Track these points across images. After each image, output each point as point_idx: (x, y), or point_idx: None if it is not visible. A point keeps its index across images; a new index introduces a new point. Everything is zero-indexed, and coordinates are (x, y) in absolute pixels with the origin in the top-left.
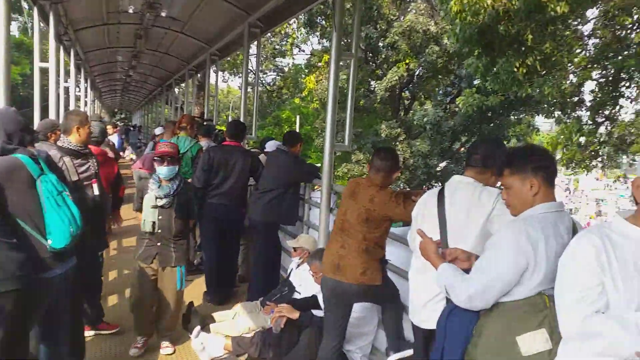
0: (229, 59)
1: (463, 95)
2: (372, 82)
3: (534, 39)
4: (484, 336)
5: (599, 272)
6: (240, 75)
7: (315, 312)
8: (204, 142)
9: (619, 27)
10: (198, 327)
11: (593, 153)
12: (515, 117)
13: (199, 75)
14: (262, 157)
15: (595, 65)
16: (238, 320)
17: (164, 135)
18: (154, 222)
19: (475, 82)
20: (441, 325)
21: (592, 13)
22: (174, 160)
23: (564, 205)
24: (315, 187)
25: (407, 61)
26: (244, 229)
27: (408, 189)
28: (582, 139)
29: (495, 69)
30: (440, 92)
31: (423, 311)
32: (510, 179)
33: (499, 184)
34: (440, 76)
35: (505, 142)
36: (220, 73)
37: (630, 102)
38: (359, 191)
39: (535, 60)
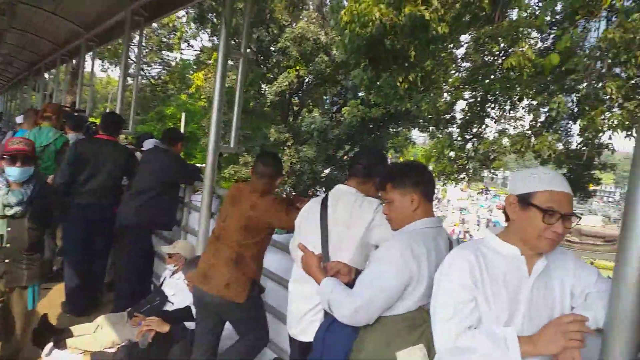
0: (110, 47)
1: (348, 106)
2: (263, 85)
3: (416, 56)
4: (364, 351)
5: (472, 288)
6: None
7: (189, 324)
8: (71, 135)
9: (487, 52)
10: (51, 344)
11: (461, 167)
12: (394, 130)
13: (73, 61)
14: (138, 155)
15: (466, 86)
16: (100, 334)
17: (23, 124)
18: (1, 236)
19: (360, 94)
20: (319, 340)
21: (465, 38)
22: (28, 160)
23: (442, 221)
24: (197, 190)
25: (298, 68)
26: (115, 232)
27: (293, 195)
28: (452, 154)
29: (379, 82)
30: (328, 101)
31: (301, 323)
32: (391, 193)
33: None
34: (328, 85)
35: (384, 153)
36: (99, 61)
37: (494, 122)
38: (240, 197)
39: (416, 76)
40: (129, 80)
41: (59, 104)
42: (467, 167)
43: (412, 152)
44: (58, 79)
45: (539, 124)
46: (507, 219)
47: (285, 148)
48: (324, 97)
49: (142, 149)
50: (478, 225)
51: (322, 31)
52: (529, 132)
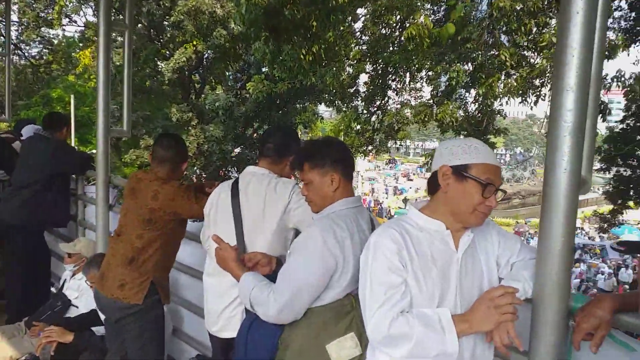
0: None
1: (253, 82)
2: (159, 63)
3: (317, 27)
4: (290, 349)
5: (402, 270)
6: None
7: (97, 329)
8: None
9: (385, 25)
10: None
11: (368, 139)
12: (301, 105)
13: None
14: (18, 145)
15: (367, 60)
16: None
17: None
18: None
19: (264, 69)
20: (242, 338)
21: (361, 11)
22: None
23: (361, 200)
24: (91, 180)
25: (195, 43)
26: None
27: (203, 179)
28: (359, 127)
29: (281, 56)
30: (231, 77)
31: (219, 320)
32: (309, 174)
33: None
34: (229, 61)
35: (295, 129)
36: None
37: (396, 94)
38: (141, 188)
39: (320, 49)
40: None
41: None
42: (374, 139)
43: (320, 127)
44: None
45: (439, 94)
46: (431, 192)
47: (190, 128)
48: (227, 73)
49: (22, 138)
50: (386, 193)
51: (217, 4)
52: (430, 101)
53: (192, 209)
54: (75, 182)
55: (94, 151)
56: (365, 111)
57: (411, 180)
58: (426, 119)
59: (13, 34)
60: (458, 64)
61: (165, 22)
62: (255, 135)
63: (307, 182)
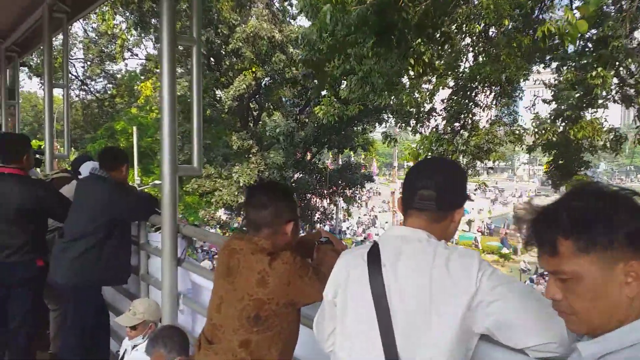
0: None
1: (322, 105)
2: (218, 91)
3: (433, 29)
4: None
5: None
6: (61, 78)
7: None
8: None
9: (468, 34)
10: None
11: None
12: (361, 127)
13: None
14: (67, 188)
15: (449, 73)
16: None
17: None
18: None
19: (324, 92)
20: None
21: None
22: None
23: None
24: (156, 226)
25: (254, 69)
26: (49, 292)
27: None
28: (442, 149)
29: (362, 72)
30: (288, 102)
31: None
32: (576, 261)
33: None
34: (287, 85)
35: (351, 153)
36: (36, 78)
37: (483, 110)
38: (239, 267)
39: (431, 57)
40: (70, 94)
41: None
42: (459, 161)
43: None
44: None
45: (564, 107)
46: None
47: (251, 155)
48: (283, 99)
49: (80, 176)
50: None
51: (275, 28)
52: (549, 118)
53: (315, 293)
54: (137, 228)
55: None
56: (448, 130)
57: (472, 200)
58: (554, 138)
59: (79, 71)
60: (600, 69)
61: (223, 51)
62: (313, 159)
63: (569, 276)
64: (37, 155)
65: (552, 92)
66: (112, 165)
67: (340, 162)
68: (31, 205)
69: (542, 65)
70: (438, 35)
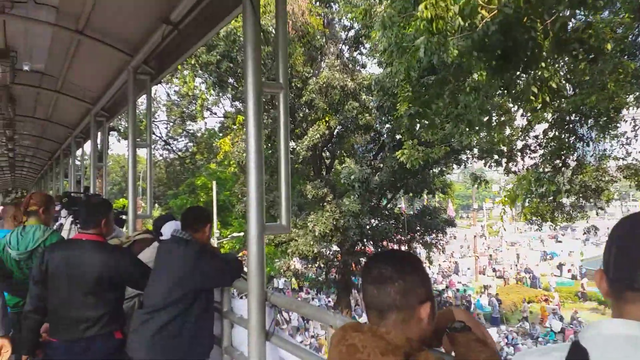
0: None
1: (404, 149)
2: (292, 143)
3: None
4: None
5: None
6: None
7: None
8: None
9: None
10: None
11: (556, 203)
12: (437, 169)
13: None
14: (147, 253)
15: (549, 106)
16: None
17: (4, 224)
18: None
19: (397, 136)
20: None
21: None
22: None
23: None
24: (241, 293)
25: (327, 118)
26: None
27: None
28: (543, 189)
29: (459, 109)
30: (360, 148)
31: None
32: None
33: None
34: (361, 132)
35: (426, 197)
36: (124, 141)
37: (586, 145)
38: None
39: (562, 78)
40: (154, 153)
41: (46, 193)
42: (562, 202)
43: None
44: (76, 162)
45: None
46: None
47: (325, 204)
48: (355, 145)
49: (162, 238)
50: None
51: (347, 77)
52: None
53: None
54: (220, 294)
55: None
56: (548, 169)
57: (560, 242)
58: None
59: (163, 132)
60: None
61: (296, 103)
62: (389, 205)
63: None
64: (122, 216)
65: None
66: (196, 226)
67: (416, 207)
68: (109, 274)
69: None
70: (585, 50)
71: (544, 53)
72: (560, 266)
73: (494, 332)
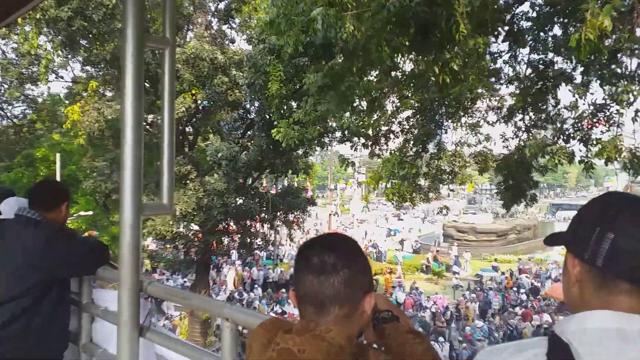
0: None
1: (279, 127)
2: (150, 116)
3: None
4: None
5: None
6: None
7: None
8: None
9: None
10: None
11: (415, 185)
12: (303, 150)
13: None
14: None
15: (414, 94)
16: None
17: None
18: None
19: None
20: None
21: None
22: None
23: None
24: (104, 282)
25: (194, 92)
26: None
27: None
28: (404, 172)
29: (343, 89)
30: (227, 126)
31: None
32: None
33: None
34: (228, 109)
35: (295, 177)
36: None
37: (444, 132)
38: None
39: (458, 59)
40: None
41: None
42: (420, 185)
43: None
44: None
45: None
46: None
47: (188, 182)
48: (221, 122)
49: (0, 217)
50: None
51: (217, 50)
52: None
53: None
54: (78, 284)
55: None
56: (409, 153)
57: (402, 220)
58: (562, 162)
59: None
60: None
61: (160, 70)
62: (254, 184)
63: None
64: None
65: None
66: (49, 204)
67: (279, 187)
68: None
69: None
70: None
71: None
72: (402, 242)
73: None
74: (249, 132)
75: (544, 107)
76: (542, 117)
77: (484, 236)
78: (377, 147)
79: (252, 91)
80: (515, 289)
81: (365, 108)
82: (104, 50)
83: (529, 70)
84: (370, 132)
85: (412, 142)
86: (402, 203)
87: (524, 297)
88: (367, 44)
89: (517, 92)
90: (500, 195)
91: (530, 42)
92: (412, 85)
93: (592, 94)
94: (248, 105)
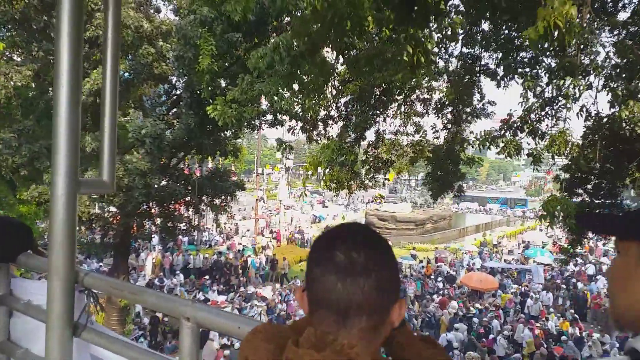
0: None
1: (215, 104)
2: None
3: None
4: None
5: None
6: None
7: None
8: None
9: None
10: None
11: (353, 173)
12: (228, 133)
13: None
14: None
15: (357, 79)
16: None
17: None
18: None
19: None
20: None
21: None
22: None
23: None
24: (25, 270)
25: None
26: None
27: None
28: (343, 158)
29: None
30: (150, 100)
31: None
32: None
33: None
34: (152, 82)
35: (222, 159)
36: None
37: (384, 121)
38: None
39: (432, 39)
40: None
41: None
42: (358, 172)
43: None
44: None
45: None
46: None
47: None
48: (144, 97)
49: None
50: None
51: (143, 18)
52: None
53: None
54: None
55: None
56: (347, 139)
57: (326, 207)
58: (511, 154)
59: None
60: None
61: (102, 31)
62: (180, 165)
63: None
64: None
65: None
66: None
67: (204, 169)
68: None
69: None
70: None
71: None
72: (327, 228)
73: (269, 291)
74: (174, 109)
75: (471, 100)
76: (468, 111)
77: (403, 225)
78: (315, 132)
79: (181, 65)
80: (432, 276)
81: (307, 89)
82: (13, 9)
83: (459, 64)
84: (309, 115)
85: (351, 129)
86: (339, 190)
87: (440, 285)
88: (336, 16)
89: (448, 84)
90: (428, 185)
91: (462, 36)
92: (368, 66)
93: (541, 87)
94: (174, 80)
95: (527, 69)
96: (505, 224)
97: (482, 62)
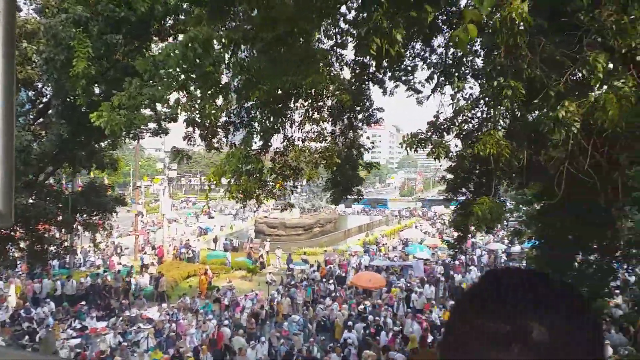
0: None
1: (102, 110)
2: None
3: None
4: None
5: None
6: None
7: None
8: None
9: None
10: None
11: (261, 182)
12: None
13: None
14: None
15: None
16: None
17: None
18: None
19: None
20: None
21: None
22: None
23: None
24: None
25: None
26: None
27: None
28: (250, 167)
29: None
30: (17, 107)
31: None
32: None
33: None
34: (17, 88)
35: (97, 172)
36: None
37: (290, 126)
38: None
39: (401, 28)
40: None
41: None
42: (266, 181)
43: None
44: None
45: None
46: None
47: None
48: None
49: None
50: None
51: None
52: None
53: None
54: None
55: None
56: (256, 147)
57: (212, 217)
58: (440, 156)
59: None
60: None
61: None
62: (48, 181)
63: None
64: None
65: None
66: None
67: (75, 184)
68: None
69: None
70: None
71: None
72: (215, 240)
73: (155, 311)
74: (41, 119)
75: (363, 106)
76: (359, 117)
77: (293, 230)
78: (216, 140)
79: (51, 68)
80: (324, 280)
81: (206, 94)
82: None
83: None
84: (208, 122)
85: (260, 135)
86: (247, 200)
87: (332, 287)
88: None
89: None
90: (330, 190)
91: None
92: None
93: (471, 87)
94: (41, 86)
95: (453, 70)
96: (384, 224)
97: (371, 70)
